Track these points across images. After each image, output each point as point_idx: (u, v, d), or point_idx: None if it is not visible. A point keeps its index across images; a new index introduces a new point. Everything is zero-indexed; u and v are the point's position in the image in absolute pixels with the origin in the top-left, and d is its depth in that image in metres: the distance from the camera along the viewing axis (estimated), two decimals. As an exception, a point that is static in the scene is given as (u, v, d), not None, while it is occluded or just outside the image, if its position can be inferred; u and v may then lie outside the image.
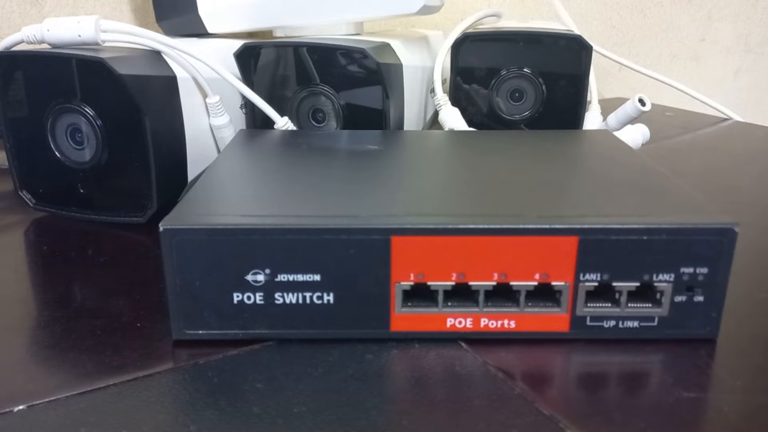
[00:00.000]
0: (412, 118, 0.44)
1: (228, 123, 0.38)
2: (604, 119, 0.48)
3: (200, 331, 0.23)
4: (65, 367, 0.22)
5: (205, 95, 0.37)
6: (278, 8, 0.43)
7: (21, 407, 0.20)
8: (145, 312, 0.26)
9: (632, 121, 0.47)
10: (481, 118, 0.46)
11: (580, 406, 0.20)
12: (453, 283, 0.23)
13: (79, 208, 0.36)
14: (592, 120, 0.47)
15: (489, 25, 0.52)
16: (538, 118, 0.46)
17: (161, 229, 0.22)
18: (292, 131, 0.38)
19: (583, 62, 0.44)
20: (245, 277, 0.23)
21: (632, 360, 0.23)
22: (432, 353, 0.23)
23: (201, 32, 0.46)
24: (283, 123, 0.38)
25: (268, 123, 0.39)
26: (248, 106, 0.42)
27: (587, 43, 0.44)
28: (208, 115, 0.38)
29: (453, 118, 0.43)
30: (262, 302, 0.23)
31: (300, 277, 0.23)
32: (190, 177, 0.37)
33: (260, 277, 0.23)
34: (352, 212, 0.23)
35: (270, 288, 0.23)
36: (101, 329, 0.25)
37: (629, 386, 0.21)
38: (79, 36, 0.33)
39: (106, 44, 0.34)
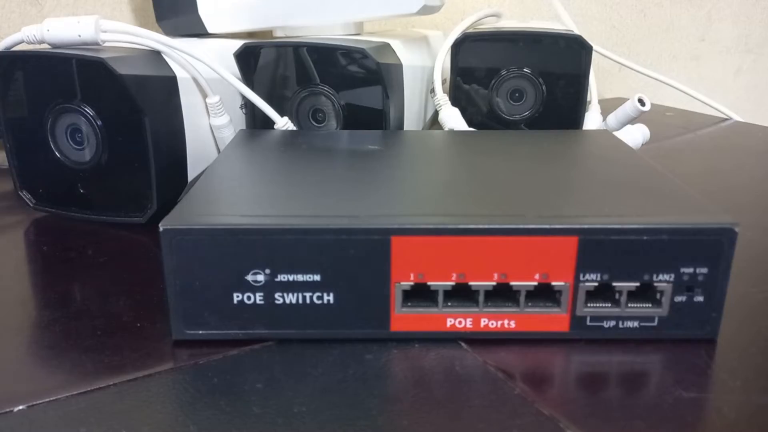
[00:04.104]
0: (412, 118, 0.44)
1: (228, 123, 0.38)
2: (604, 119, 0.48)
3: (200, 331, 0.23)
4: (65, 367, 0.22)
5: (205, 95, 0.37)
6: (278, 8, 0.43)
7: (21, 407, 0.20)
8: (145, 312, 0.26)
9: (632, 121, 0.47)
10: (481, 118, 0.46)
11: (580, 406, 0.20)
12: (453, 283, 0.23)
13: (79, 208, 0.36)
14: (592, 120, 0.47)
15: (489, 25, 0.52)
16: (538, 118, 0.46)
17: (161, 229, 0.22)
18: (292, 131, 0.38)
19: (583, 62, 0.44)
20: (245, 277, 0.23)
21: (632, 360, 0.23)
22: (432, 353, 0.23)
23: (201, 32, 0.46)
24: (283, 123, 0.38)
25: (268, 123, 0.39)
26: (248, 106, 0.42)
27: (587, 43, 0.44)
28: (208, 115, 0.38)
29: (453, 118, 0.43)
30: (262, 302, 0.23)
31: (300, 278, 0.23)
32: (190, 177, 0.37)
33: (260, 277, 0.23)
34: (352, 212, 0.23)
35: (270, 288, 0.23)
36: (101, 329, 0.25)
37: (629, 386, 0.21)
38: (79, 36, 0.33)
39: (106, 44, 0.34)
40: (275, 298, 0.23)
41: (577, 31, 0.47)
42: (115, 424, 0.19)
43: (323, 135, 0.36)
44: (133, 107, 0.33)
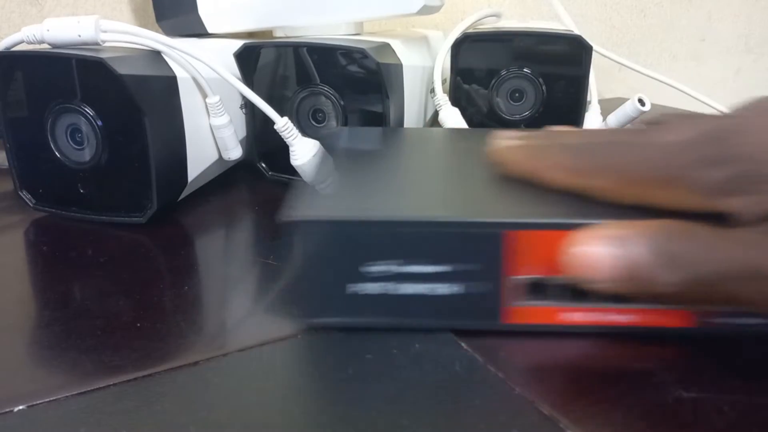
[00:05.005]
0: (412, 118, 0.44)
1: (228, 123, 0.38)
2: (604, 119, 0.48)
3: (322, 320, 0.24)
4: (65, 367, 0.22)
5: (205, 95, 0.37)
6: (278, 8, 0.43)
7: (21, 407, 0.20)
8: (145, 312, 0.26)
9: (632, 121, 0.47)
10: (481, 118, 0.46)
11: (580, 406, 0.20)
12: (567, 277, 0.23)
13: (79, 208, 0.36)
14: (592, 120, 0.47)
15: (489, 25, 0.52)
16: (538, 118, 0.46)
17: (293, 219, 0.23)
18: (395, 129, 0.38)
19: (583, 62, 0.44)
20: (364, 268, 0.23)
21: (632, 360, 0.23)
22: (432, 353, 0.23)
23: (201, 32, 0.46)
24: (282, 123, 0.38)
25: (268, 123, 0.39)
26: (248, 106, 0.42)
27: (587, 43, 0.44)
28: (208, 115, 0.38)
29: (453, 118, 0.43)
30: (379, 292, 0.23)
31: (417, 269, 0.23)
32: (190, 177, 0.37)
33: (379, 268, 0.23)
34: (467, 206, 0.24)
35: (388, 279, 0.23)
36: (101, 329, 0.25)
37: (629, 386, 0.21)
38: (79, 36, 0.33)
39: (106, 44, 0.34)
40: (392, 289, 0.23)
41: (577, 31, 0.47)
42: (115, 424, 0.19)
43: (427, 131, 0.37)
44: (133, 107, 0.32)
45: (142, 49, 0.35)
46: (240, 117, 0.42)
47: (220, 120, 0.38)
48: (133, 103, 0.32)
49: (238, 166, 0.43)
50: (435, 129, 0.39)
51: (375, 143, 0.34)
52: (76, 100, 0.34)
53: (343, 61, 0.40)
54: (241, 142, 0.41)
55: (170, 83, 0.35)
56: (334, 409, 0.20)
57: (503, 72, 0.45)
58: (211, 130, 0.38)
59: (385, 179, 0.28)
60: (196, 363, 0.23)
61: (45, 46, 0.34)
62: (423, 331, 0.24)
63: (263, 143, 0.42)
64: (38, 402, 0.20)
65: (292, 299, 0.24)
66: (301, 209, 0.24)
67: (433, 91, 0.45)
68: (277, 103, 0.39)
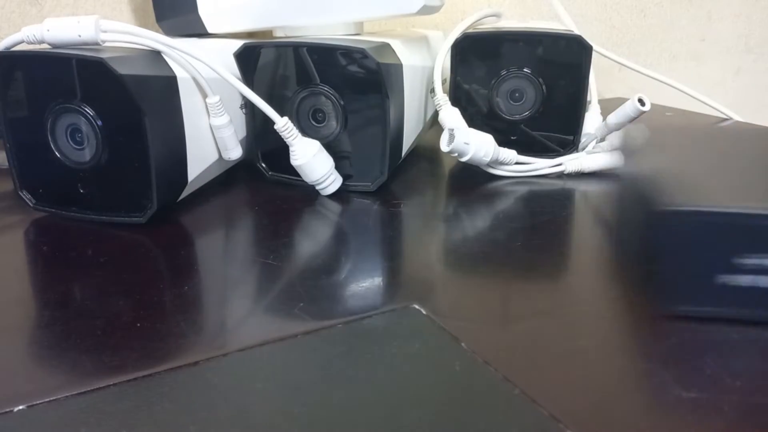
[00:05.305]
0: (412, 118, 0.44)
1: (228, 123, 0.38)
2: (604, 119, 0.47)
3: (688, 308, 0.24)
4: (65, 367, 0.22)
5: (205, 95, 0.37)
6: (278, 8, 0.43)
7: (21, 407, 0.20)
8: (145, 312, 0.26)
9: (632, 121, 0.46)
10: (481, 118, 0.46)
11: (580, 406, 0.20)
12: None
13: (79, 208, 0.36)
14: (592, 120, 0.47)
15: (489, 25, 0.52)
16: (538, 118, 0.46)
17: (670, 210, 0.23)
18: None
19: (583, 62, 0.44)
20: (737, 260, 0.23)
21: (632, 360, 0.23)
22: (432, 353, 0.23)
23: (201, 32, 0.46)
24: (283, 123, 0.38)
25: (268, 123, 0.39)
26: (248, 106, 0.42)
27: (587, 43, 0.44)
28: (208, 115, 0.38)
29: (453, 118, 0.43)
30: (750, 285, 0.23)
31: None
32: (190, 177, 0.37)
33: (753, 261, 0.23)
34: None
35: (758, 271, 0.23)
36: (101, 329, 0.25)
37: (629, 386, 0.21)
38: (79, 36, 0.33)
39: (106, 44, 0.34)
40: (764, 282, 0.23)
41: (577, 31, 0.47)
42: (115, 424, 0.19)
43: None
44: (133, 107, 0.32)
45: (142, 49, 0.35)
46: (240, 117, 0.42)
47: (220, 120, 0.38)
48: (133, 103, 0.32)
49: (238, 166, 0.43)
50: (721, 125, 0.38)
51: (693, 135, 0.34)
52: (76, 100, 0.34)
53: (343, 61, 0.40)
54: (241, 142, 0.41)
55: (170, 83, 0.35)
56: (333, 409, 0.20)
57: (503, 72, 0.45)
58: (211, 130, 0.38)
59: (722, 174, 0.27)
60: (196, 363, 0.23)
61: (45, 46, 0.34)
62: (422, 331, 0.24)
63: (263, 143, 0.42)
64: (38, 402, 0.20)
65: (655, 287, 0.25)
66: (675, 200, 0.24)
67: (433, 91, 0.45)
68: (277, 103, 0.39)
